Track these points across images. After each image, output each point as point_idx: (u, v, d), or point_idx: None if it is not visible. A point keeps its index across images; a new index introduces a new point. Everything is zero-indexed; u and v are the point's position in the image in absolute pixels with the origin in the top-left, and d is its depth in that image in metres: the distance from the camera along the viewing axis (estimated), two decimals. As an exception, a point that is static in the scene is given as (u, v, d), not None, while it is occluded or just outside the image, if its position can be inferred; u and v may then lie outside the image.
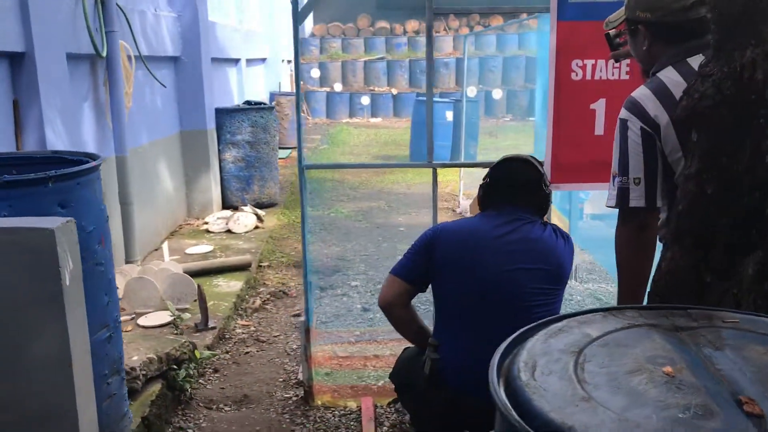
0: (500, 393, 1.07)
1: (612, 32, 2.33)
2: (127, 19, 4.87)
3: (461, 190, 7.59)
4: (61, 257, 1.72)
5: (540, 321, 1.29)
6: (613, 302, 3.06)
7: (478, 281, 2.39)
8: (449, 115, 10.21)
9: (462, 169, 7.65)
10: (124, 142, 4.77)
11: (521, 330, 1.27)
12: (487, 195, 2.58)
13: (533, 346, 1.19)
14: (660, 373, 1.08)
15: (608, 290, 5.06)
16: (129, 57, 4.87)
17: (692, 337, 1.21)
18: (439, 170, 9.11)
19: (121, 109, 4.75)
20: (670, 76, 2.01)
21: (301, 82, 13.16)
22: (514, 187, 2.50)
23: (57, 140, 3.73)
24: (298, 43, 3.02)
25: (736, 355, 1.14)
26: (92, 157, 2.46)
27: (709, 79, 1.54)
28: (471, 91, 9.69)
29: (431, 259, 2.47)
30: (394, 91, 16.60)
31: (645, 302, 1.91)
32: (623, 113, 2.06)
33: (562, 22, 2.98)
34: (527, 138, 12.73)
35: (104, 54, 4.44)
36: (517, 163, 2.55)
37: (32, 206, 2.08)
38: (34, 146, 3.62)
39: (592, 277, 5.26)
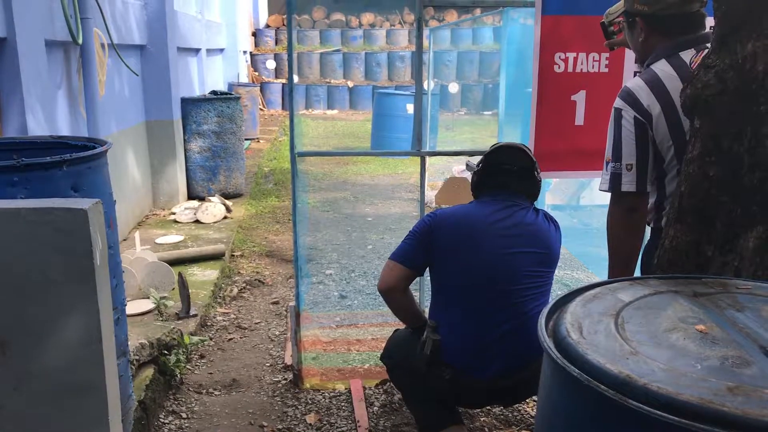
0: (554, 349, 1.18)
1: (607, 22, 2.47)
2: (99, 6, 4.82)
3: (426, 182, 7.72)
4: (93, 237, 1.76)
5: (575, 289, 1.40)
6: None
7: (477, 265, 2.51)
8: (410, 108, 10.34)
9: (428, 160, 7.77)
10: (97, 131, 4.73)
11: (559, 297, 1.37)
12: (481, 181, 2.68)
13: (575, 310, 1.30)
14: (694, 331, 1.21)
15: (574, 276, 5.26)
16: (102, 45, 4.83)
17: (712, 301, 1.35)
18: (400, 162, 9.41)
19: (95, 97, 4.71)
20: (663, 68, 2.15)
21: (256, 73, 12.95)
22: (508, 173, 2.62)
23: (37, 127, 3.69)
24: (292, 29, 3.07)
25: (756, 315, 1.27)
26: (97, 141, 2.48)
27: (711, 70, 1.68)
28: (431, 85, 9.86)
29: (431, 245, 2.57)
30: (350, 84, 16.66)
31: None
32: (618, 102, 2.20)
33: (546, 16, 3.11)
34: (482, 131, 12.98)
35: (80, 41, 4.39)
36: (511, 150, 2.67)
37: (48, 189, 2.10)
38: (15, 133, 3.58)
39: (558, 264, 5.45)
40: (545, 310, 1.30)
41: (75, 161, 2.17)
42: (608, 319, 1.26)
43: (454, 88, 14.98)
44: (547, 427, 1.26)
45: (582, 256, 5.68)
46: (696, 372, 1.08)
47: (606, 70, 3.19)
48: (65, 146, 2.50)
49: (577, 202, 7.31)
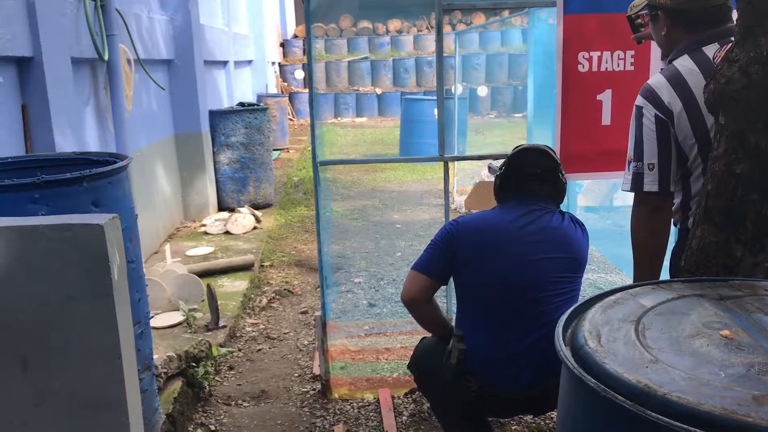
0: (570, 359, 1.14)
1: (633, 15, 2.42)
2: (125, 22, 4.89)
3: (455, 187, 7.67)
4: (110, 252, 1.76)
5: (594, 295, 1.35)
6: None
7: (502, 272, 2.44)
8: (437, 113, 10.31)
9: (456, 165, 7.71)
10: (126, 146, 4.78)
11: (577, 304, 1.33)
12: (504, 185, 2.62)
13: (594, 317, 1.25)
14: (718, 337, 1.15)
15: (607, 279, 5.15)
16: (128, 60, 4.89)
17: (739, 304, 1.29)
18: (429, 168, 9.38)
19: (123, 112, 4.76)
20: (685, 64, 2.09)
21: (285, 84, 12.99)
22: (532, 176, 2.55)
23: (65, 144, 3.74)
24: (311, 40, 3.06)
25: (786, 318, 1.21)
26: (119, 157, 2.50)
27: (735, 64, 1.62)
28: (458, 89, 9.81)
29: (454, 253, 2.50)
30: (379, 91, 16.67)
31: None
32: (639, 100, 2.14)
33: (569, 15, 3.06)
34: (513, 134, 12.86)
35: (106, 57, 4.45)
36: (534, 152, 2.60)
37: (68, 205, 2.12)
38: (43, 150, 3.63)
39: (591, 267, 5.35)
40: (563, 318, 1.26)
41: (95, 177, 2.19)
42: (628, 325, 1.21)
43: (483, 91, 14.90)
44: (567, 438, 1.22)
45: (615, 258, 5.57)
46: (719, 380, 1.03)
47: (632, 68, 3.12)
48: (88, 162, 2.53)
49: (610, 204, 7.19)
